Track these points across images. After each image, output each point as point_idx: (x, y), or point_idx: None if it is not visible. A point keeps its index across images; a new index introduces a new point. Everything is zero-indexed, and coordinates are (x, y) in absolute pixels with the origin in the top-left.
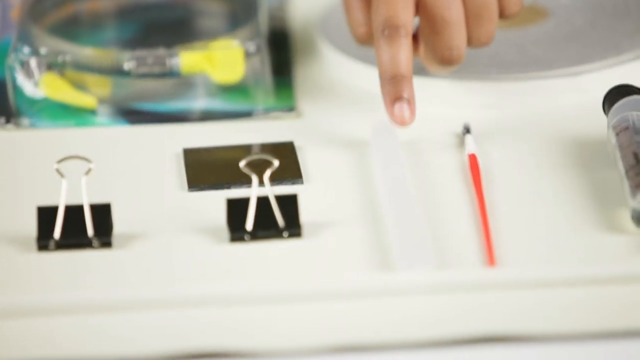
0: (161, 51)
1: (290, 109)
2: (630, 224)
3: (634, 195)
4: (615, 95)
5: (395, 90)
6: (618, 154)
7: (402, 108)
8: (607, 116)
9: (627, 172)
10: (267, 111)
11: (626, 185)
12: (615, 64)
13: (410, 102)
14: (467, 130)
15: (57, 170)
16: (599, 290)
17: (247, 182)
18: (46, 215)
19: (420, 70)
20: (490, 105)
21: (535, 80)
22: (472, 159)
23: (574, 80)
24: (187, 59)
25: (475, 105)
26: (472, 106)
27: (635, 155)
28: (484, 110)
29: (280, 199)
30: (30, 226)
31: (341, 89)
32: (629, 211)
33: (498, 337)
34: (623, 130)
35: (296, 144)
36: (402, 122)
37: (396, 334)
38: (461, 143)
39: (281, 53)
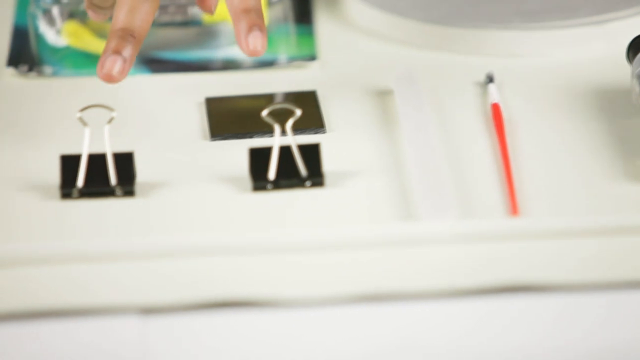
0: None
1: (313, 57)
2: None
3: None
4: None
5: (248, 21)
6: None
7: (256, 37)
8: (631, 65)
9: None
10: (290, 60)
11: None
12: None
13: (262, 30)
14: (490, 79)
15: (80, 119)
16: (622, 240)
17: (269, 131)
18: (69, 163)
19: (445, 19)
20: (513, 54)
21: (559, 29)
22: (495, 108)
23: (598, 29)
24: None
25: (498, 54)
26: (495, 55)
27: None
28: (507, 59)
29: (302, 148)
30: (54, 174)
31: (363, 37)
32: None
33: (520, 287)
34: None
35: (318, 93)
36: (254, 53)
37: (419, 283)
38: (484, 92)
39: (303, 1)
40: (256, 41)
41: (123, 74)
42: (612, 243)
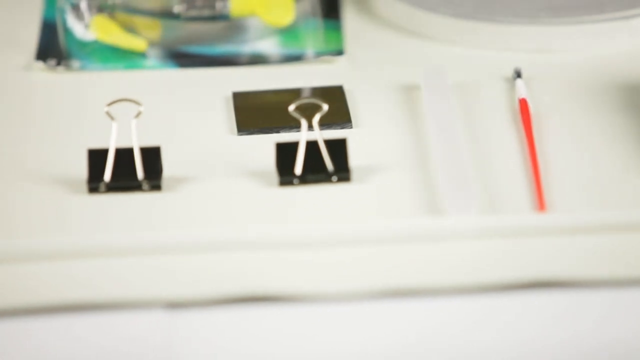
0: None
1: (340, 52)
2: None
3: None
4: None
5: None
6: None
7: None
8: None
9: None
10: (317, 55)
11: None
12: None
13: None
14: (518, 74)
15: (107, 113)
16: None
17: (296, 126)
18: (96, 157)
19: (473, 14)
20: (541, 49)
21: (587, 24)
22: (523, 103)
23: (626, 24)
24: (236, 2)
25: (526, 49)
26: (523, 50)
27: None
28: (534, 54)
29: (329, 143)
30: (81, 169)
31: (391, 32)
32: None
33: (547, 283)
34: None
35: (345, 88)
36: None
37: (444, 279)
38: (512, 87)
39: None
40: None
41: None
42: None
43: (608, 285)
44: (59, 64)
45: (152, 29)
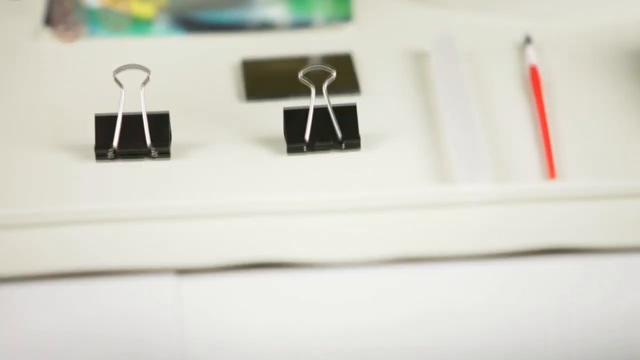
0: None
1: (348, 18)
2: None
3: None
4: None
5: None
6: None
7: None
8: None
9: None
10: (325, 21)
11: None
12: None
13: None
14: (528, 40)
15: (115, 80)
16: None
17: (305, 93)
18: (104, 124)
19: None
20: (552, 15)
21: None
22: (533, 70)
23: None
24: None
25: (537, 14)
26: (533, 16)
27: None
28: (545, 20)
29: (338, 110)
30: (89, 135)
31: None
32: None
33: (557, 249)
34: None
35: (354, 55)
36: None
37: (454, 246)
38: (522, 54)
39: None
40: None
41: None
42: None
43: (618, 252)
44: (66, 30)
45: None
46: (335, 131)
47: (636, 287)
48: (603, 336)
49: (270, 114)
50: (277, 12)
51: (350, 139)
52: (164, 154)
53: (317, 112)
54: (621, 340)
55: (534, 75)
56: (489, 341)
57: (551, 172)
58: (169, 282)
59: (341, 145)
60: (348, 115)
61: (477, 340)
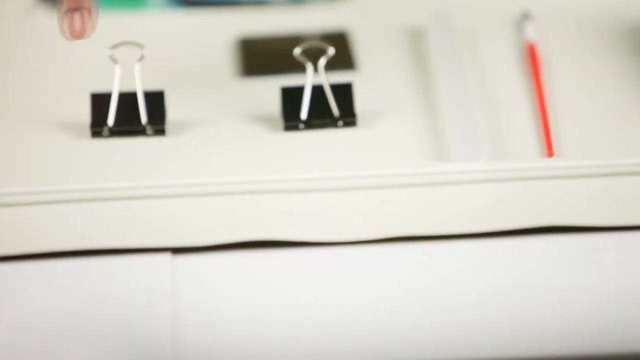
0: None
1: None
2: None
3: None
4: None
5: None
6: None
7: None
8: None
9: None
10: None
11: None
12: None
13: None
14: (526, 16)
15: (111, 56)
16: None
17: (301, 70)
18: (100, 101)
19: None
20: None
21: None
22: (531, 47)
23: None
24: None
25: None
26: None
27: None
28: None
29: (334, 87)
30: (84, 113)
31: None
32: None
33: (555, 228)
34: None
35: (350, 32)
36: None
37: (452, 225)
38: (520, 30)
39: None
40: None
41: (85, 29)
42: None
43: (616, 230)
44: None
45: None
46: (331, 109)
47: (637, 265)
48: (604, 314)
49: (267, 92)
50: None
51: (347, 117)
52: (160, 131)
53: (314, 90)
54: (622, 319)
55: (532, 52)
56: (487, 320)
57: (549, 150)
58: (165, 261)
59: (338, 123)
60: (344, 92)
61: (477, 319)
